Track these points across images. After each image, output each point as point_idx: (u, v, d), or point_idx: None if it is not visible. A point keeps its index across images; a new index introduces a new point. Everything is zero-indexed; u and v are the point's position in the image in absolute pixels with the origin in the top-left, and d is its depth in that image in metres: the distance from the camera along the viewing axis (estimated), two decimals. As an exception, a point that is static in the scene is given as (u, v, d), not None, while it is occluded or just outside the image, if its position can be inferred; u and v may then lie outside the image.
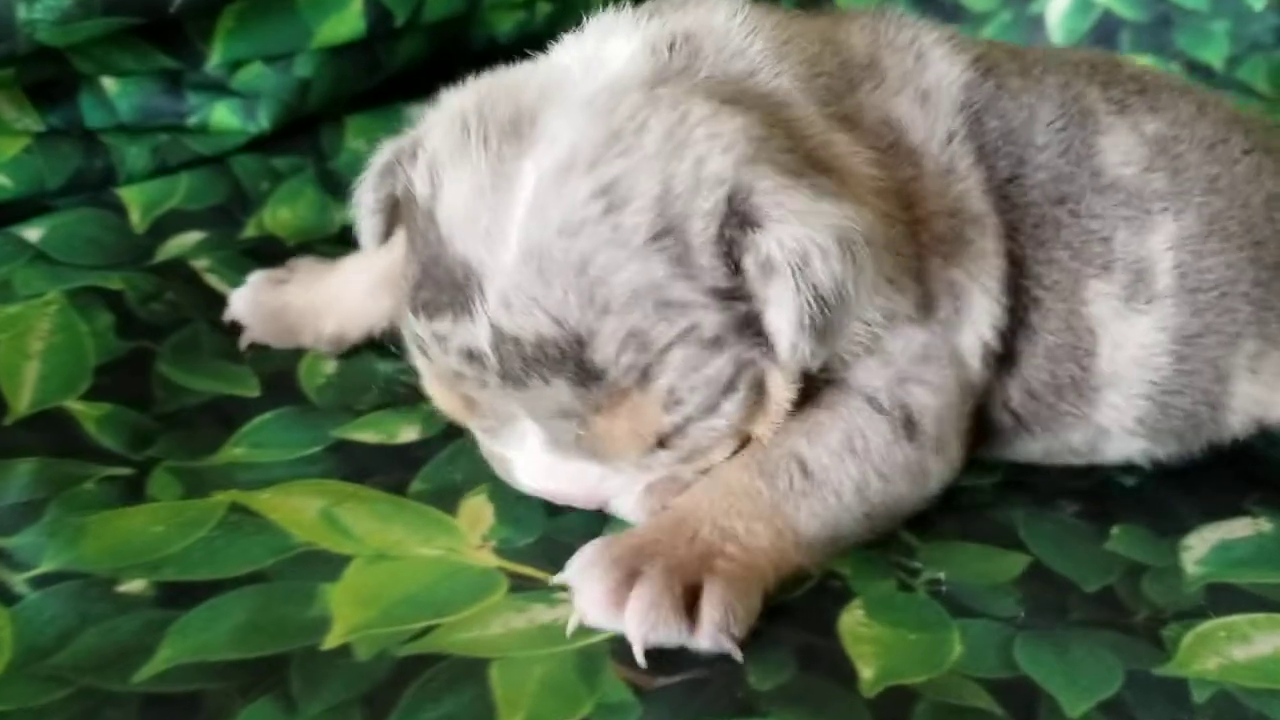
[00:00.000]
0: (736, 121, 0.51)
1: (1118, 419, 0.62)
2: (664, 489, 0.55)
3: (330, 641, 0.49)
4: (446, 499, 0.58)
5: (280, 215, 0.84)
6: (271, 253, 0.79)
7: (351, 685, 0.46)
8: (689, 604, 0.49)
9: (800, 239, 0.48)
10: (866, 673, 0.50)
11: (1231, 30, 1.32)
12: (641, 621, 0.48)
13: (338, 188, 0.86)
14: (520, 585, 0.53)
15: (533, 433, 0.53)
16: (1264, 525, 0.62)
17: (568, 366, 0.49)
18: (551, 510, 0.57)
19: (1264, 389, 0.63)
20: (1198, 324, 0.61)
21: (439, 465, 0.61)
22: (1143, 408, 0.62)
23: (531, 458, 0.55)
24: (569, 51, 0.56)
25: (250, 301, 0.71)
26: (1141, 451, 0.65)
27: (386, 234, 0.58)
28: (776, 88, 0.56)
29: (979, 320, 0.58)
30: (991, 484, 0.64)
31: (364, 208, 0.57)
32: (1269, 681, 0.51)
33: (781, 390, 0.53)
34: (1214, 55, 1.18)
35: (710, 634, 0.48)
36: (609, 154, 0.49)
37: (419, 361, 0.55)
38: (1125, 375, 0.61)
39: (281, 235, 0.83)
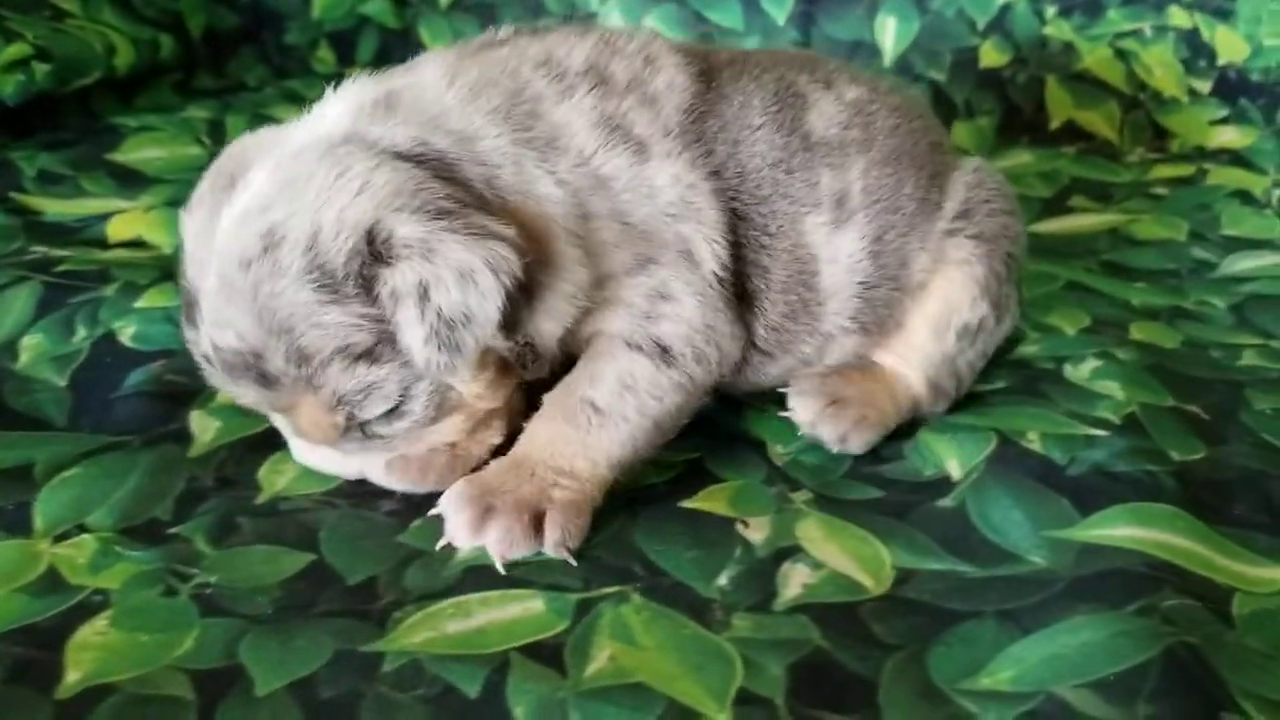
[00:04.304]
0: (385, 174, 0.61)
1: (838, 321, 0.77)
2: (403, 465, 0.69)
3: None
4: None
5: None
6: None
7: None
8: (536, 527, 0.65)
9: (421, 273, 0.59)
10: (73, 676, 0.56)
11: (761, 44, 1.44)
12: (499, 542, 0.65)
13: None
14: None
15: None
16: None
17: (252, 373, 0.63)
18: None
19: (930, 259, 0.79)
20: (880, 225, 0.77)
21: None
22: (856, 305, 0.77)
23: (293, 440, 0.69)
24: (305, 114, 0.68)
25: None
26: (854, 350, 0.79)
27: None
28: (466, 126, 0.66)
29: (706, 258, 0.71)
30: (318, 494, 0.71)
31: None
32: (459, 648, 0.59)
33: (466, 385, 0.67)
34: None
35: (552, 547, 0.65)
36: (277, 202, 0.61)
37: None
38: (841, 284, 0.76)
39: None
